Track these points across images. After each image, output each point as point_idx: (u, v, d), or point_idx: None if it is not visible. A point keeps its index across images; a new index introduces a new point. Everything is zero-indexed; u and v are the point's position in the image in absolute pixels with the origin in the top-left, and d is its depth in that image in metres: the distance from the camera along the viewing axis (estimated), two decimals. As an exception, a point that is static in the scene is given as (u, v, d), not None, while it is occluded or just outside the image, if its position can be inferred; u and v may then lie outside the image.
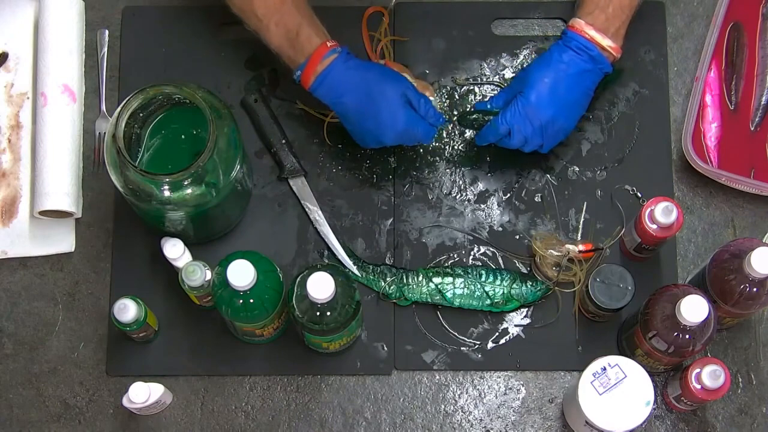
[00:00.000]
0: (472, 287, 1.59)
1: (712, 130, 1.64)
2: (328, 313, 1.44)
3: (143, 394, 1.49)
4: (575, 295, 1.60)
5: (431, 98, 1.64)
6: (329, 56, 1.53)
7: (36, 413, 1.58)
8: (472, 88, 1.68)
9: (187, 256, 1.54)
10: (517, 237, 1.63)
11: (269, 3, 1.54)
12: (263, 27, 1.54)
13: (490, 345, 1.60)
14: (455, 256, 1.63)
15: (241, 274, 1.41)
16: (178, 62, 1.68)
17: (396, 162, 1.66)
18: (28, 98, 1.68)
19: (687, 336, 1.43)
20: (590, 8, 1.54)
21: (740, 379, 1.59)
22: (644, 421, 1.44)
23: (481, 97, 1.67)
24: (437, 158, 1.66)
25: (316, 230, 1.63)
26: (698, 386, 1.49)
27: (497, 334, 1.60)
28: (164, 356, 1.59)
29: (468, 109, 1.65)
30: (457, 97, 1.68)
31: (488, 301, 1.59)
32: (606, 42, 1.54)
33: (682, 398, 1.53)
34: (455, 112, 1.67)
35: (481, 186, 1.65)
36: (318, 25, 1.55)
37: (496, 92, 1.66)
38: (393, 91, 1.53)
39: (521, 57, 1.69)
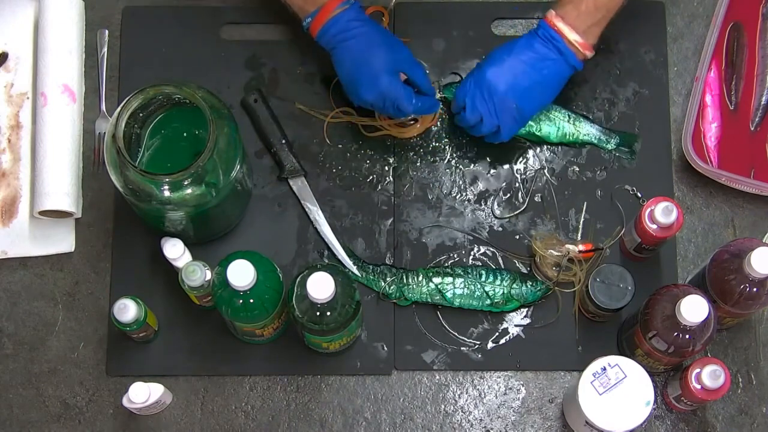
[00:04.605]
0: (472, 287, 1.59)
1: (712, 130, 1.64)
2: (328, 313, 1.44)
3: (143, 394, 1.49)
4: (575, 295, 1.60)
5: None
6: (341, 7, 1.55)
7: (36, 413, 1.58)
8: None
9: (187, 256, 1.54)
10: (517, 237, 1.63)
11: None
12: None
13: (490, 345, 1.60)
14: (455, 256, 1.62)
15: (241, 274, 1.41)
16: (178, 62, 1.68)
17: (396, 162, 1.66)
18: (28, 98, 1.68)
19: (687, 336, 1.43)
20: (564, 3, 1.56)
21: (740, 379, 1.59)
22: (644, 421, 1.44)
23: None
24: (437, 158, 1.66)
25: (316, 230, 1.63)
26: (698, 386, 1.49)
27: (497, 334, 1.60)
28: (164, 356, 1.59)
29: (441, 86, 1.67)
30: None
31: (488, 301, 1.59)
32: (573, 36, 1.54)
33: (682, 398, 1.53)
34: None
35: (481, 186, 1.65)
36: None
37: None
38: (385, 56, 1.55)
39: (521, 57, 1.69)
